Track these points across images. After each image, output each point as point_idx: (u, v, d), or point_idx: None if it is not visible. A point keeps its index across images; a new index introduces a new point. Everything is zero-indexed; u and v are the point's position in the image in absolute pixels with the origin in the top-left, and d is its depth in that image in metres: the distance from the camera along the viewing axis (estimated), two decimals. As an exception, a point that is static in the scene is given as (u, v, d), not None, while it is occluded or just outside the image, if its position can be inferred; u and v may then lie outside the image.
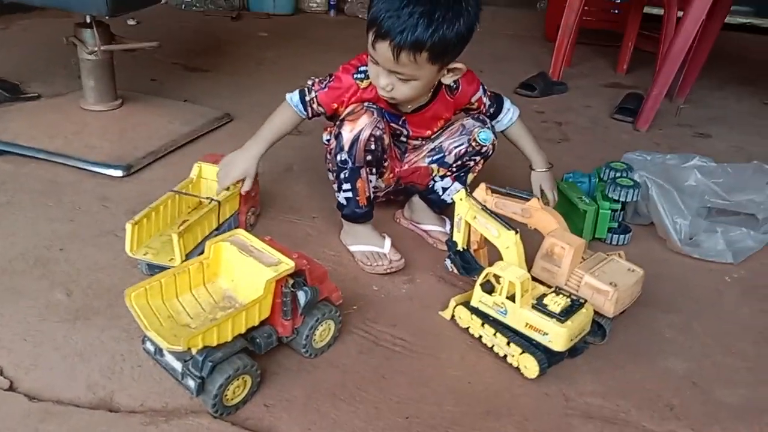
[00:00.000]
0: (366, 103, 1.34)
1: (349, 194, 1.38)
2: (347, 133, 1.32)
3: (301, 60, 2.87)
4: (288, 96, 1.41)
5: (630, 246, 1.56)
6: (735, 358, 1.23)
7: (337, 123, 1.35)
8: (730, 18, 3.83)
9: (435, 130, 1.47)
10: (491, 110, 1.50)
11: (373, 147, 1.33)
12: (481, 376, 1.14)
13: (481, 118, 1.46)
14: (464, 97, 1.45)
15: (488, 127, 1.44)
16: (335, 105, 1.38)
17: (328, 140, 1.44)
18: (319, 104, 1.39)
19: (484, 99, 1.48)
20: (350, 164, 1.34)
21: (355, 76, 1.36)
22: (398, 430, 1.01)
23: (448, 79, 1.34)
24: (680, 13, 2.48)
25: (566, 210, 1.52)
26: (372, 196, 1.42)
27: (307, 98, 1.39)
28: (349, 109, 1.35)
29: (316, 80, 1.40)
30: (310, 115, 1.41)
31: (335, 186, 1.42)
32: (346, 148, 1.32)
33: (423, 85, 1.30)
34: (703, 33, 2.47)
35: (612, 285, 1.17)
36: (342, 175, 1.37)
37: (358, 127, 1.31)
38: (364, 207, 1.41)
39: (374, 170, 1.39)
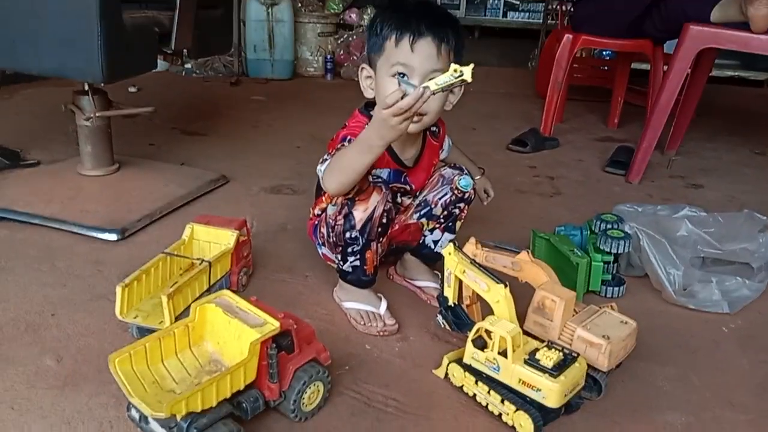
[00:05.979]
0: (370, 178, 1.32)
1: (357, 263, 1.38)
2: (360, 213, 1.31)
3: (296, 121, 2.93)
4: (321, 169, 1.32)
5: (625, 298, 1.55)
6: (735, 411, 1.20)
7: (346, 202, 1.32)
8: (718, 71, 3.94)
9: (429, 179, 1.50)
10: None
11: (385, 221, 1.33)
12: (475, 435, 1.11)
13: (457, 166, 1.50)
14: (443, 137, 1.52)
15: (466, 174, 1.48)
16: None
17: (319, 214, 1.44)
18: None
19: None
20: (362, 240, 1.33)
21: (362, 112, 1.37)
22: (390, 494, 0.99)
23: (455, 97, 1.36)
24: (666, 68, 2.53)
25: (559, 263, 1.52)
26: (378, 263, 1.41)
27: None
28: (356, 188, 1.30)
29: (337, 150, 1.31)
30: None
31: (338, 257, 1.40)
32: (359, 227, 1.31)
33: (446, 94, 1.31)
34: (690, 86, 2.53)
35: (605, 338, 1.16)
36: (350, 249, 1.36)
37: (371, 207, 1.30)
38: (371, 275, 1.41)
39: (382, 239, 1.38)
